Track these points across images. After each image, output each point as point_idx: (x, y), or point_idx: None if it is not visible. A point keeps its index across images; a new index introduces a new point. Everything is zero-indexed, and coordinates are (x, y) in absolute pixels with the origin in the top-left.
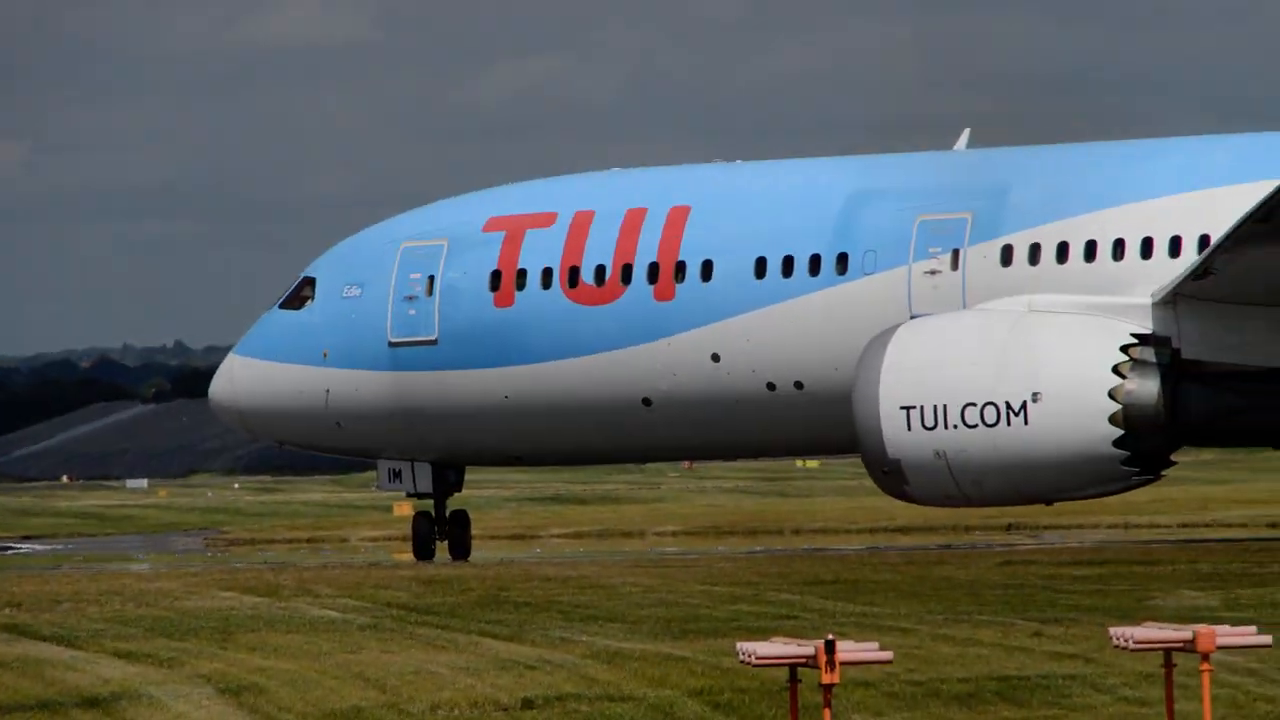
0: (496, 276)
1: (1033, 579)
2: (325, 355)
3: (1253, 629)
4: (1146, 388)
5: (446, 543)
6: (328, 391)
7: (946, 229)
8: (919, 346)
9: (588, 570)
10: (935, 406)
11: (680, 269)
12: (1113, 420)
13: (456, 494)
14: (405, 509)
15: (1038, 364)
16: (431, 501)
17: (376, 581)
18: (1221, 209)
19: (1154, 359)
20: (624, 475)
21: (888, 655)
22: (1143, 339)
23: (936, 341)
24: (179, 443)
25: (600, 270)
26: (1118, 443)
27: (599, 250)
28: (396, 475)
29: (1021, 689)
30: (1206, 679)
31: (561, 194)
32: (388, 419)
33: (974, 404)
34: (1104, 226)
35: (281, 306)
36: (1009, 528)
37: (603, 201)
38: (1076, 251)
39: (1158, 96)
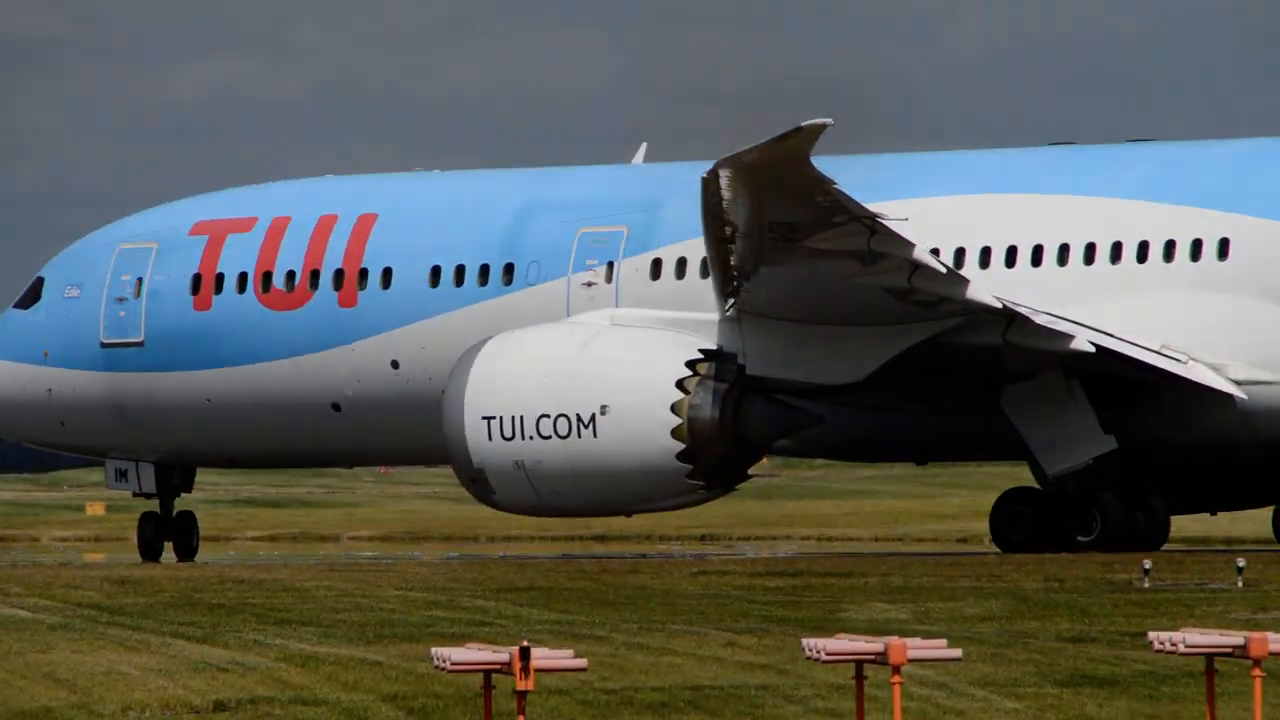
0: (197, 280)
1: (727, 589)
2: (46, 355)
3: (943, 642)
4: (707, 403)
5: (173, 544)
6: (49, 391)
7: (604, 241)
8: (503, 358)
9: (281, 574)
10: (513, 417)
11: (363, 276)
12: (675, 434)
13: (186, 494)
14: (97, 509)
15: (607, 378)
16: (157, 502)
17: (67, 581)
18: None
19: (718, 374)
20: (318, 479)
21: (582, 663)
22: (711, 355)
23: (519, 353)
24: None
25: (290, 275)
26: (680, 456)
27: (291, 256)
28: (123, 475)
29: (715, 699)
30: (897, 691)
31: (264, 199)
32: (104, 419)
33: (548, 415)
34: None
35: (16, 306)
36: (703, 538)
37: (299, 207)
38: None
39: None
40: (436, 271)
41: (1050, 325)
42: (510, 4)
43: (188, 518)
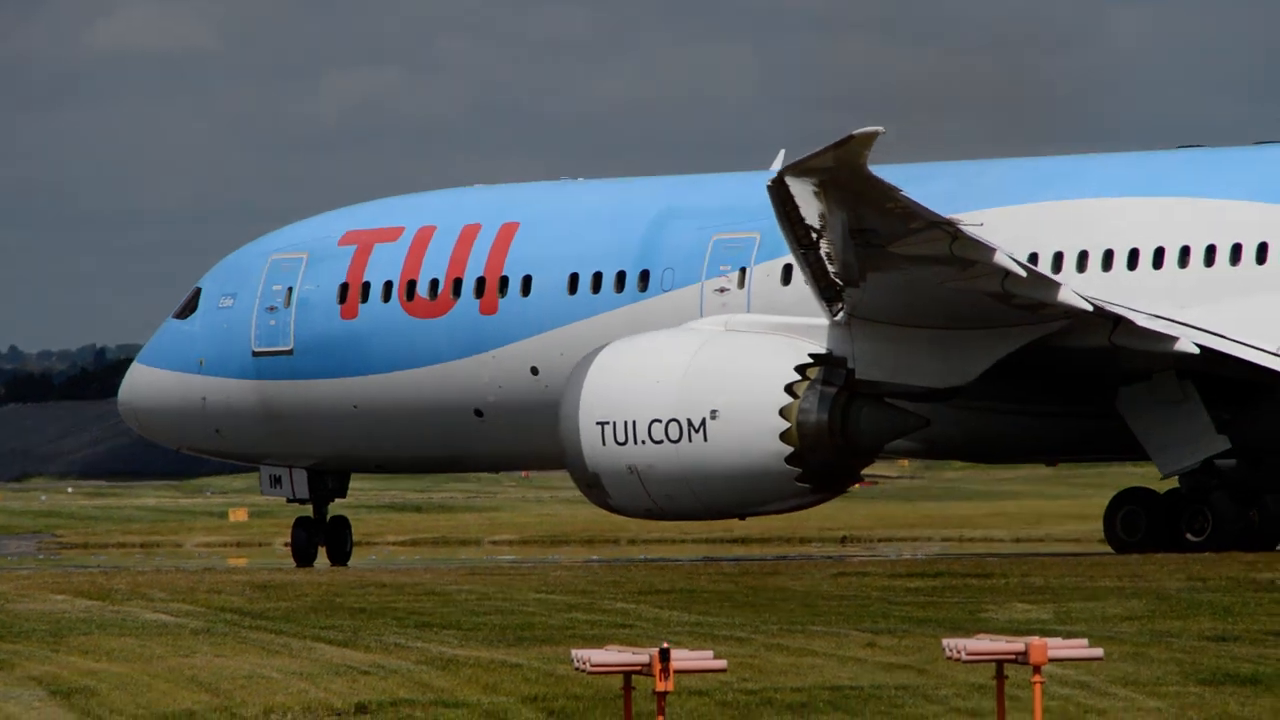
0: (345, 289)
1: (866, 590)
2: (201, 364)
3: (1084, 642)
4: (815, 406)
5: (326, 549)
6: (204, 399)
7: (737, 248)
8: (618, 364)
9: (423, 577)
10: (626, 423)
11: (504, 284)
12: (784, 438)
13: (340, 499)
14: (240, 515)
15: (717, 383)
16: (311, 507)
17: (210, 586)
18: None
19: (827, 379)
20: (460, 484)
21: (722, 664)
22: (820, 359)
23: (632, 360)
24: (12, 446)
25: (434, 284)
26: (790, 459)
27: (435, 265)
28: (276, 481)
29: (854, 699)
30: (1038, 691)
31: (411, 209)
32: (256, 426)
33: (659, 420)
34: None
35: (175, 316)
36: (843, 540)
37: (444, 217)
38: None
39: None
40: (574, 279)
41: (1153, 327)
42: (655, 17)
43: (341, 522)
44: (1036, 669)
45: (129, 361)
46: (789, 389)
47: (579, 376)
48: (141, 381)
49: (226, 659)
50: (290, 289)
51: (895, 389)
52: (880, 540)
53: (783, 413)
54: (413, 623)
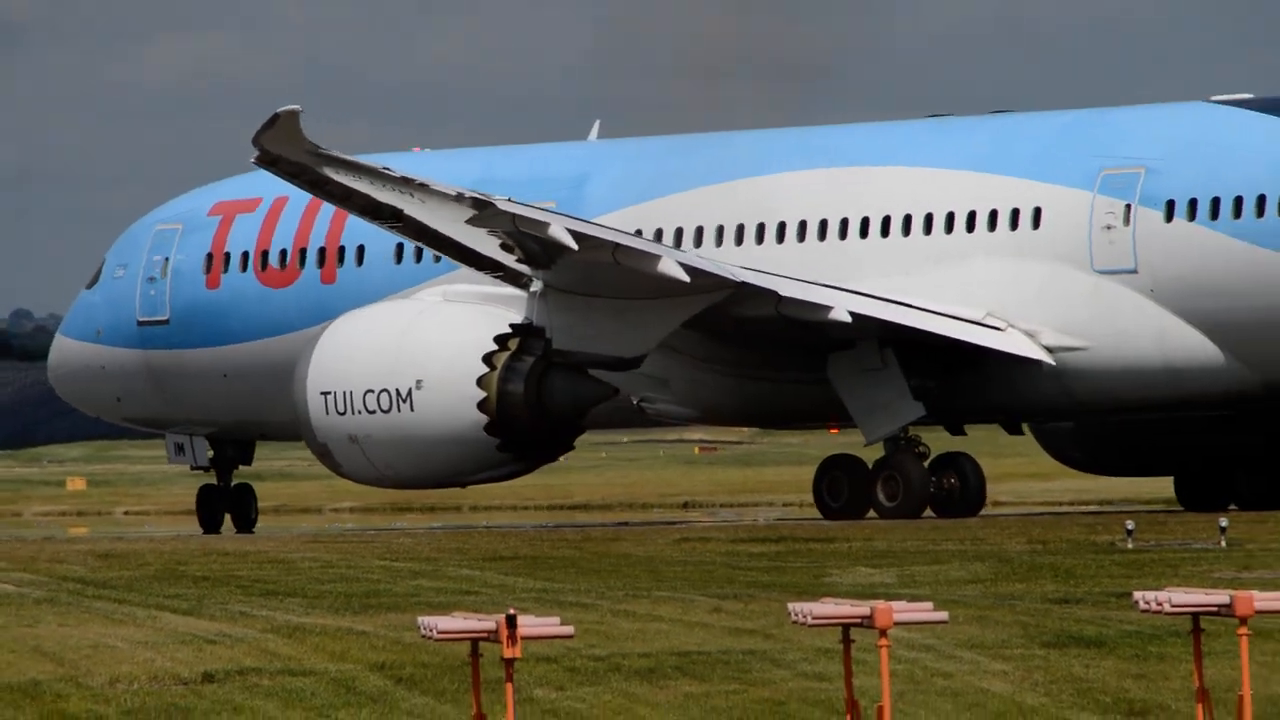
0: (209, 259)
1: (710, 556)
2: (99, 334)
3: (929, 605)
4: (511, 377)
5: (231, 516)
6: (103, 368)
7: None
8: (339, 336)
9: (266, 545)
10: (345, 393)
11: (341, 254)
12: (482, 407)
13: (244, 467)
14: (79, 484)
15: (424, 353)
16: (215, 476)
17: (51, 555)
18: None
19: (527, 349)
20: (301, 451)
21: (569, 630)
22: (521, 330)
23: (352, 331)
24: None
25: (283, 254)
26: (488, 429)
27: (284, 235)
28: (180, 449)
29: (702, 664)
30: (885, 654)
31: (272, 180)
32: (148, 395)
33: (373, 391)
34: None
35: (86, 287)
36: (685, 505)
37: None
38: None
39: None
40: (400, 249)
41: (804, 296)
42: None
43: (245, 490)
44: (882, 633)
45: None
46: (487, 359)
47: (310, 348)
48: (61, 352)
49: (71, 629)
50: (167, 259)
51: (586, 358)
52: (721, 505)
53: (480, 383)
54: (257, 591)
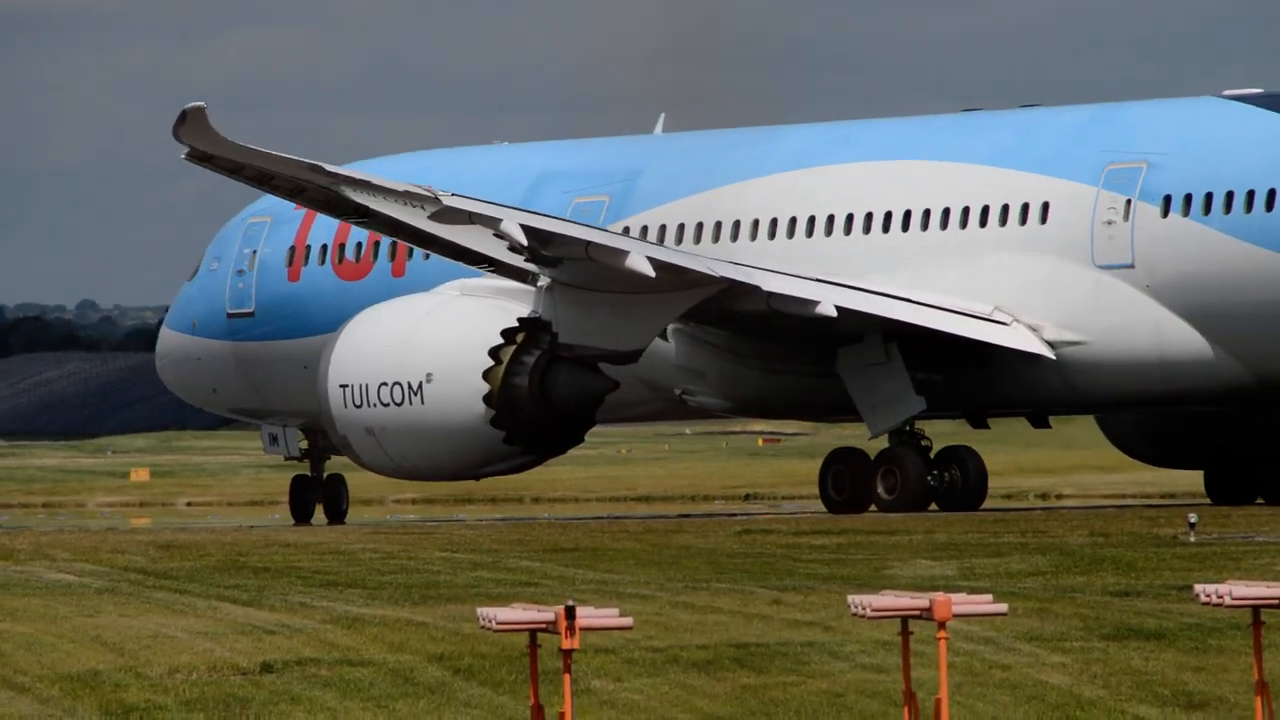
0: (291, 252)
1: (771, 548)
2: (194, 325)
3: (989, 597)
4: (516, 370)
5: (323, 506)
6: (199, 359)
7: (590, 210)
8: (359, 329)
9: (326, 536)
10: (361, 385)
11: (410, 247)
12: (486, 400)
13: (336, 457)
14: (142, 475)
15: (434, 346)
16: (308, 466)
17: (113, 546)
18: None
19: (533, 343)
20: None
21: (628, 621)
22: (528, 324)
23: (371, 325)
24: None
25: (358, 247)
26: (494, 422)
27: (359, 229)
28: (274, 440)
29: (760, 656)
30: (943, 646)
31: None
32: (239, 385)
33: (385, 384)
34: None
35: (187, 280)
36: (746, 497)
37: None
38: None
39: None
40: None
41: (788, 291)
42: None
43: (338, 480)
44: (941, 625)
45: (26, 320)
46: (493, 353)
47: (332, 343)
48: (165, 343)
49: (131, 619)
50: (255, 252)
51: (590, 352)
52: (784, 498)
53: (486, 376)
54: (317, 582)
